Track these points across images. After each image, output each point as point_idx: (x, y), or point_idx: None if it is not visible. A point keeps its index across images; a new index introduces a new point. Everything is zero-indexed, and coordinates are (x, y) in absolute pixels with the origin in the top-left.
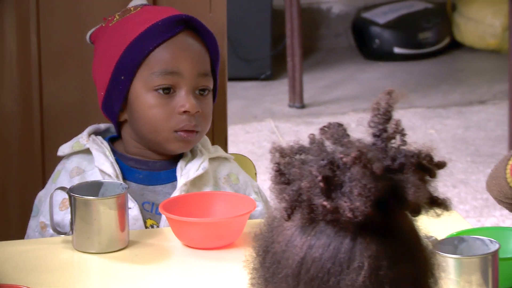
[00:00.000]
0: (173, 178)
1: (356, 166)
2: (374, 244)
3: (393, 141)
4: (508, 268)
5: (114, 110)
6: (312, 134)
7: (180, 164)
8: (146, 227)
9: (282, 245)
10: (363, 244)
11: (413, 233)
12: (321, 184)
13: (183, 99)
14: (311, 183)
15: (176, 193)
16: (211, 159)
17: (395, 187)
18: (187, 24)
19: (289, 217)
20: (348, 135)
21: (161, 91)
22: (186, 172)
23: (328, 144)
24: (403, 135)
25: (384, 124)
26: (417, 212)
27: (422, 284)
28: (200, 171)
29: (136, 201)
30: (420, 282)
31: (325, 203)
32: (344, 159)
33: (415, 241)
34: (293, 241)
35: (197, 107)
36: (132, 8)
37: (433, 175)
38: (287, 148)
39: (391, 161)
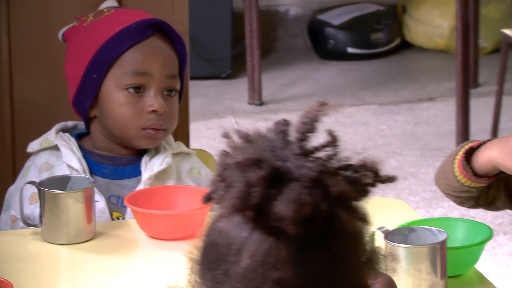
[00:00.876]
0: (138, 173)
1: (237, 170)
2: (265, 243)
3: (328, 148)
4: (455, 256)
5: (84, 106)
6: (240, 130)
7: (144, 159)
8: (112, 219)
9: (208, 227)
10: (255, 240)
11: (331, 238)
12: (218, 178)
13: (152, 99)
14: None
15: (140, 187)
16: (174, 154)
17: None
18: (158, 28)
19: (206, 201)
20: (286, 137)
21: (131, 90)
22: (150, 166)
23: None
24: (335, 146)
25: (306, 133)
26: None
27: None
28: (163, 166)
29: (102, 194)
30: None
31: (215, 195)
32: (228, 161)
33: (328, 246)
34: (213, 224)
35: (164, 107)
36: (105, 10)
37: (332, 192)
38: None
39: (296, 169)
